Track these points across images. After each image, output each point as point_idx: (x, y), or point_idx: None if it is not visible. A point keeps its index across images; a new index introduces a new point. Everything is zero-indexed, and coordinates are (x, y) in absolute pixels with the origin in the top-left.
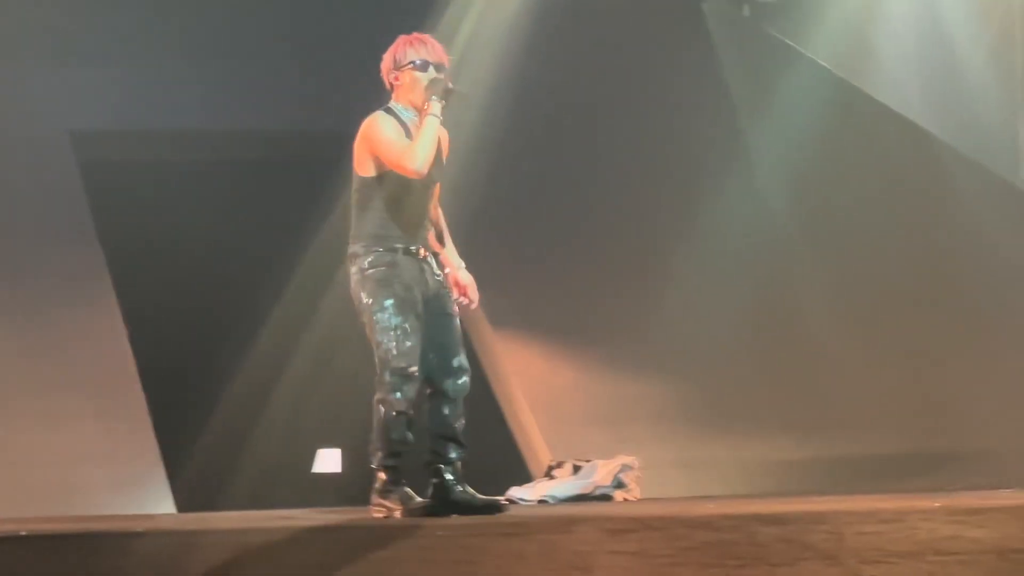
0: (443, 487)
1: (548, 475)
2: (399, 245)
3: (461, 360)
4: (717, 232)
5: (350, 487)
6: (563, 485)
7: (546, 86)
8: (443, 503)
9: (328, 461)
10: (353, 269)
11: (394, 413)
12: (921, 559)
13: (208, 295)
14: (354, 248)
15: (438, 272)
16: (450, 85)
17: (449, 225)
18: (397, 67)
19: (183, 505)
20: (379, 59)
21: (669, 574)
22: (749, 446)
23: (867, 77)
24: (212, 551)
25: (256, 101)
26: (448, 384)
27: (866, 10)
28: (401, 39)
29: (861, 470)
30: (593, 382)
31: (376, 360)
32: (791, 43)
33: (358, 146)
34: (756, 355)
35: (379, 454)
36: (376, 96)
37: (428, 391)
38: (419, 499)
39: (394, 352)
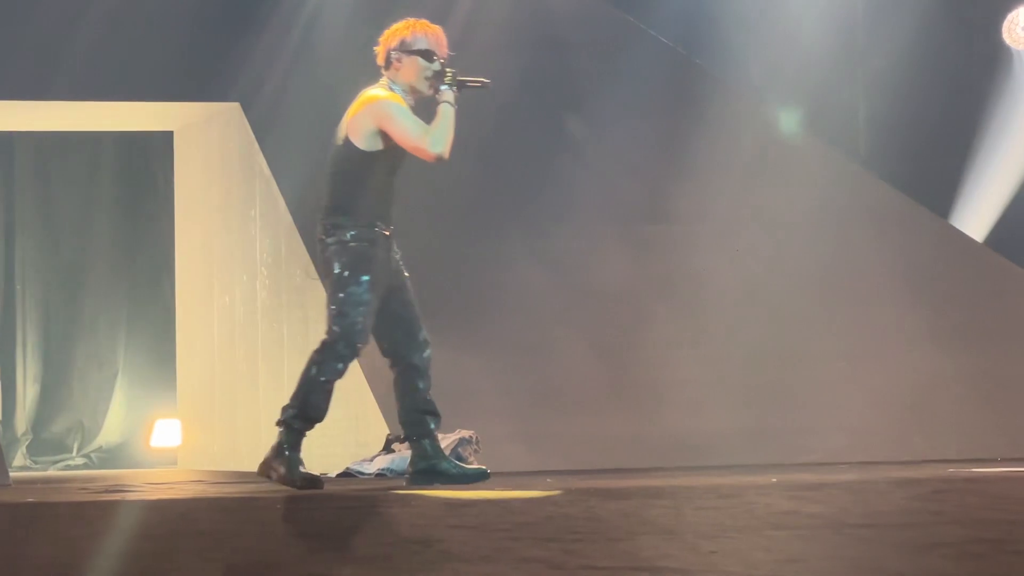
0: (427, 457)
1: (387, 449)
2: (380, 224)
3: (424, 333)
4: (552, 212)
5: None
6: (402, 459)
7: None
8: (430, 473)
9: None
10: (331, 239)
11: (324, 379)
12: (759, 534)
13: None
14: (337, 219)
15: (397, 250)
16: (464, 78)
17: None
18: (405, 50)
19: None
20: None
21: (508, 548)
22: (588, 421)
23: (710, 54)
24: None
25: None
26: (417, 357)
27: None
28: (412, 23)
29: (700, 446)
30: (432, 355)
31: (333, 327)
32: (632, 19)
33: (360, 119)
34: (592, 330)
35: (291, 411)
36: None
37: (396, 368)
38: (308, 473)
39: (359, 327)
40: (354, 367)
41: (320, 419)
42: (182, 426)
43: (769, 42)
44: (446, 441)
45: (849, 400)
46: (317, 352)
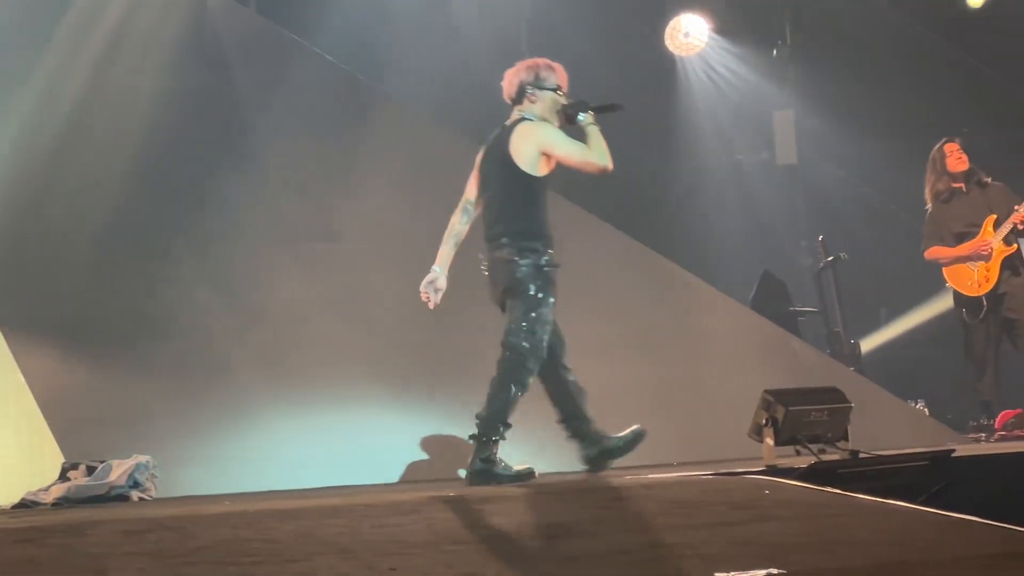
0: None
1: (63, 477)
2: (550, 249)
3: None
4: (222, 233)
5: None
6: (78, 487)
7: None
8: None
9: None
10: (525, 261)
11: (521, 394)
12: (438, 548)
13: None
14: (533, 243)
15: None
16: (599, 104)
17: None
18: (539, 86)
19: None
20: None
21: (184, 574)
22: (267, 442)
23: (375, 70)
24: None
25: None
26: (563, 370)
27: (370, 6)
28: (541, 62)
29: (385, 463)
30: (106, 381)
31: (523, 343)
32: (297, 38)
33: (525, 146)
34: (266, 350)
35: (499, 427)
36: None
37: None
38: (519, 469)
39: (542, 346)
40: (27, 394)
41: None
42: None
43: (433, 55)
44: (123, 467)
45: (526, 411)
46: (508, 371)
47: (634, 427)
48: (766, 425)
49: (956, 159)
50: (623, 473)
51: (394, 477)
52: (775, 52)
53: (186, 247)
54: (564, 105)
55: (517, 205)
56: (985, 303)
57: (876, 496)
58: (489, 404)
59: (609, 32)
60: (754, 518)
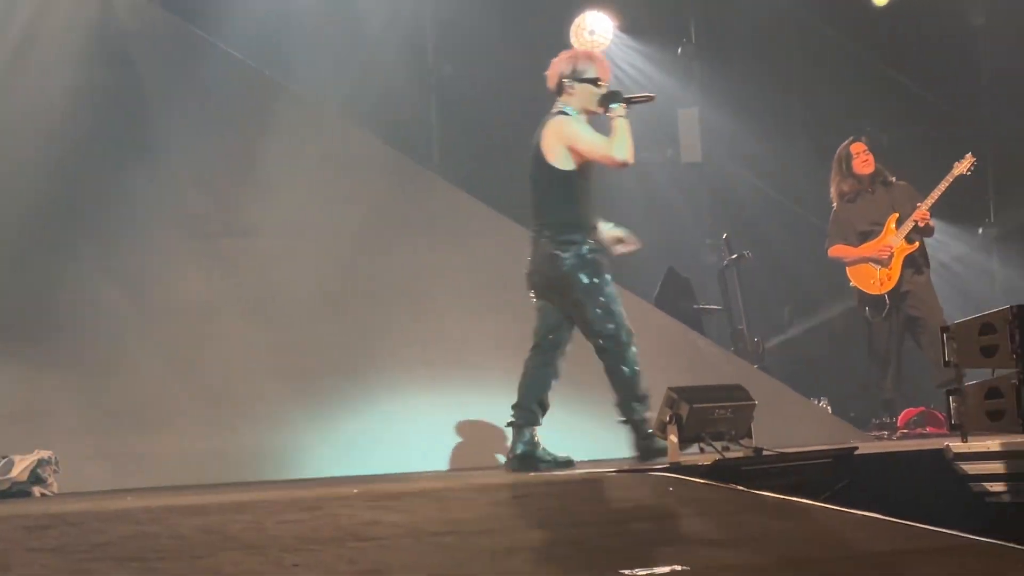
0: (529, 443)
1: None
2: (592, 239)
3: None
4: (125, 229)
5: None
6: None
7: None
8: (528, 459)
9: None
10: (568, 254)
11: (636, 368)
12: (342, 545)
13: None
14: (571, 236)
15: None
16: (630, 96)
17: None
18: (576, 78)
19: None
20: None
21: (88, 570)
22: (170, 437)
23: (280, 66)
24: None
25: None
26: (562, 359)
27: (276, 2)
28: (580, 53)
29: (282, 459)
30: (8, 376)
31: (608, 326)
32: (201, 33)
33: (552, 142)
34: (170, 345)
35: (638, 406)
36: None
37: (539, 358)
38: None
39: (624, 320)
40: None
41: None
42: None
43: (340, 53)
44: (25, 462)
45: (433, 407)
46: (611, 357)
47: (567, 457)
48: (670, 422)
49: (862, 161)
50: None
51: (302, 473)
52: (680, 50)
53: (90, 243)
54: (600, 96)
55: (552, 199)
56: (887, 301)
57: (780, 493)
58: (617, 391)
59: (514, 29)
60: (659, 515)
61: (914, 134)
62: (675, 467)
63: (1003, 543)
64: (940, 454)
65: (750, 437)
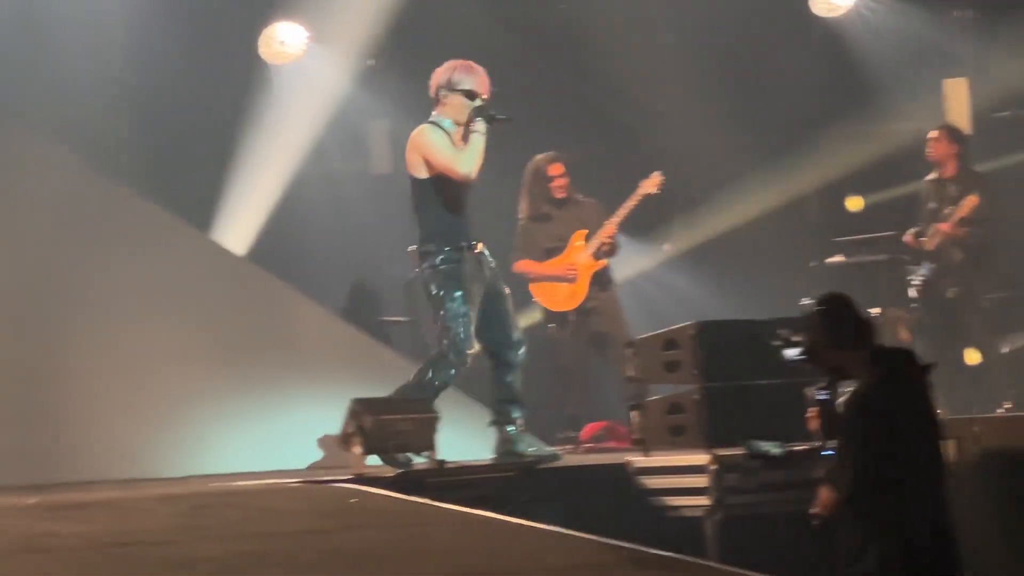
0: (510, 441)
1: None
2: (463, 243)
3: (519, 334)
4: None
5: None
6: None
7: None
8: (510, 455)
9: None
10: (425, 264)
11: (438, 383)
12: (14, 558)
13: None
14: (426, 247)
15: (491, 261)
16: (493, 113)
17: None
18: (451, 88)
19: None
20: None
21: None
22: None
23: None
24: None
25: None
26: (511, 355)
27: None
28: (459, 64)
29: None
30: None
31: (443, 340)
32: None
33: (410, 152)
34: None
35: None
36: None
37: (492, 363)
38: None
39: (462, 336)
40: None
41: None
42: None
43: (26, 59)
44: None
45: (113, 417)
46: (430, 361)
47: (552, 451)
48: (354, 434)
49: (559, 185)
50: (208, 480)
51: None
52: (371, 61)
53: None
54: (471, 109)
55: (415, 207)
56: (573, 317)
57: (463, 506)
58: (403, 391)
59: (206, 37)
60: (341, 526)
61: (602, 152)
62: (359, 478)
63: (683, 557)
64: (623, 468)
65: (434, 449)
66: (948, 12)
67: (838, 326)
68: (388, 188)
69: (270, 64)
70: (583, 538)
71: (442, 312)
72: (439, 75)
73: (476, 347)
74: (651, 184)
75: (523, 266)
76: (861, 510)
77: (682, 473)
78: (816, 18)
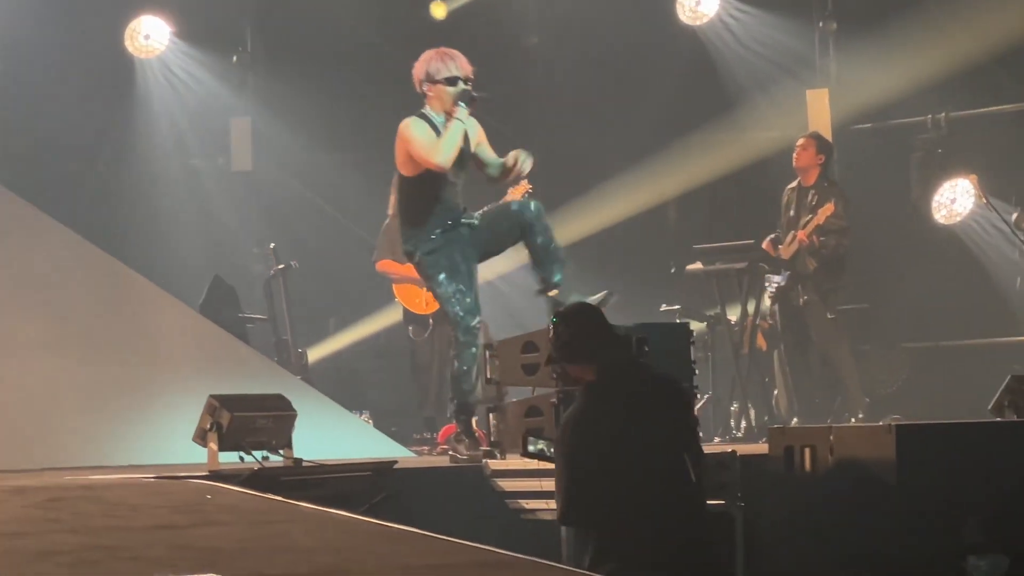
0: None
1: None
2: (437, 229)
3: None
4: None
5: None
6: None
7: None
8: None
9: None
10: (414, 262)
11: (465, 367)
12: None
13: None
14: (406, 246)
15: (472, 220)
16: (474, 94)
17: None
18: (430, 80)
19: None
20: None
21: None
22: None
23: None
24: None
25: None
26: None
27: None
28: (433, 54)
29: None
30: None
31: (450, 324)
32: None
33: (398, 149)
34: None
35: (451, 405)
36: None
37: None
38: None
39: (460, 314)
40: None
41: (474, 402)
42: None
43: None
44: None
45: None
46: (455, 351)
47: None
48: (211, 430)
49: None
50: (63, 472)
51: None
52: (236, 58)
53: None
54: (457, 94)
55: (401, 205)
56: (431, 322)
57: (318, 504)
58: (451, 387)
59: (69, 30)
60: (195, 523)
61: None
62: (214, 475)
63: (537, 560)
64: (479, 470)
65: (290, 447)
66: (812, 23)
67: (568, 339)
68: (248, 185)
69: (135, 58)
70: (437, 539)
71: (439, 301)
72: (418, 70)
73: (478, 315)
74: (519, 192)
75: (385, 266)
76: (577, 532)
77: (538, 476)
78: (683, 25)
